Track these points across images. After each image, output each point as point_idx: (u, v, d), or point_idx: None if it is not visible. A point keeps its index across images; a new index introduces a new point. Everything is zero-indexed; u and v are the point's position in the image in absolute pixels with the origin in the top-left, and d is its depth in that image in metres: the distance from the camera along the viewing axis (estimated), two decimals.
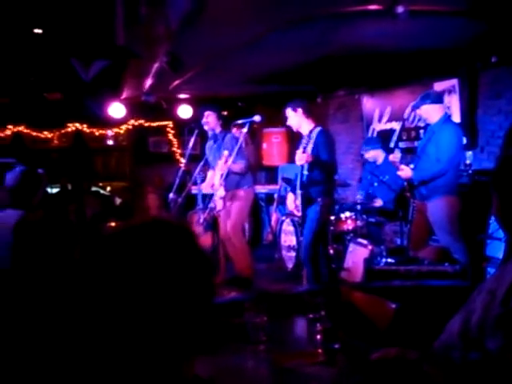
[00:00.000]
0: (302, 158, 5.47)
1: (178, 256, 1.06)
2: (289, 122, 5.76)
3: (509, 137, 5.21)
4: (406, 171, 5.23)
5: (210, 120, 6.32)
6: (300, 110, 5.63)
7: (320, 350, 2.15)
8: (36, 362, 1.47)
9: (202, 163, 6.62)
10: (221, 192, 6.12)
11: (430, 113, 5.28)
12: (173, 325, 1.03)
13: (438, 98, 5.40)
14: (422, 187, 5.22)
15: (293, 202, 5.71)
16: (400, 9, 3.68)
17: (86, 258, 1.07)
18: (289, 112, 5.68)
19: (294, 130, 5.82)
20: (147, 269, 1.02)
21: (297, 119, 5.66)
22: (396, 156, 5.37)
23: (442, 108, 5.38)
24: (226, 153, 5.95)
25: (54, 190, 9.41)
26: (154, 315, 1.02)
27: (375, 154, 6.90)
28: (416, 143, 7.42)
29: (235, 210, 6.22)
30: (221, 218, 6.28)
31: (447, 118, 5.38)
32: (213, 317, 1.12)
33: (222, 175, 6.06)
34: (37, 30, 6.05)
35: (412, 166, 5.29)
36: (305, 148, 5.61)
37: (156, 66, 6.04)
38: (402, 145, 7.73)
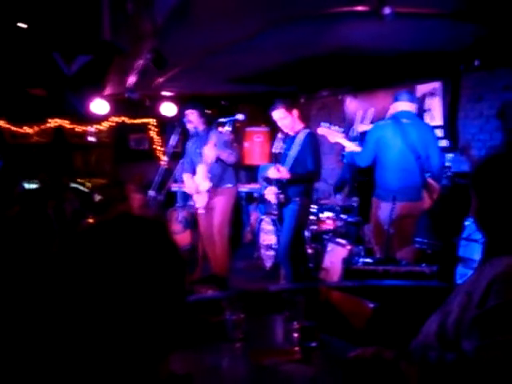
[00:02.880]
0: (276, 174, 5.44)
1: (150, 250, 1.05)
2: (281, 122, 5.58)
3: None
4: (352, 146, 5.33)
5: (192, 118, 6.30)
6: (296, 112, 5.57)
7: (297, 348, 2.15)
8: (13, 358, 1.45)
9: (181, 161, 6.60)
10: (205, 186, 6.08)
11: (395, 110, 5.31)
12: (146, 321, 1.03)
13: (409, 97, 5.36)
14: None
15: (273, 193, 5.60)
16: (387, 10, 3.70)
17: (62, 252, 1.06)
18: (282, 112, 5.53)
19: (285, 130, 5.64)
20: (119, 263, 1.02)
21: (290, 120, 5.54)
22: (325, 129, 5.39)
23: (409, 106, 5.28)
24: (212, 142, 5.91)
25: (33, 186, 9.31)
26: (126, 310, 1.01)
27: None
28: None
29: (220, 209, 6.20)
30: (201, 216, 6.25)
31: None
32: (187, 314, 1.12)
33: (207, 168, 6.02)
34: (21, 24, 5.98)
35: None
36: (288, 150, 5.57)
37: (140, 62, 6.00)
38: None
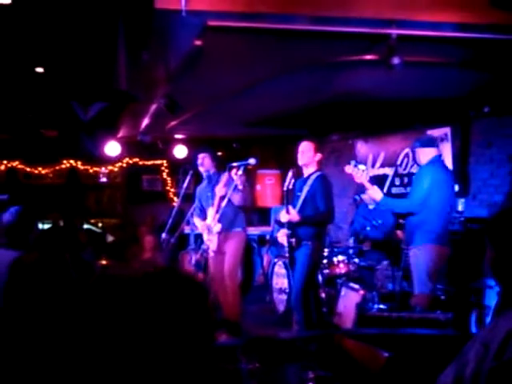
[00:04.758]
0: (287, 217, 5.42)
1: (189, 312, 1.07)
2: (304, 159, 5.60)
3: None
4: (375, 191, 5.16)
5: (205, 162, 6.36)
6: (319, 155, 5.61)
7: None
8: None
9: (194, 205, 6.63)
10: (217, 228, 6.09)
11: (420, 156, 5.29)
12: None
13: (428, 142, 5.35)
14: (411, 231, 5.14)
15: (285, 235, 5.57)
16: (396, 60, 3.75)
17: (92, 301, 1.07)
18: (310, 146, 5.58)
19: (300, 163, 5.65)
20: (158, 321, 1.03)
21: (311, 158, 5.57)
22: (350, 166, 5.24)
23: (434, 151, 5.26)
24: (222, 182, 5.95)
25: (46, 226, 9.37)
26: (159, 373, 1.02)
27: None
28: (408, 189, 7.51)
29: (231, 252, 6.19)
30: (212, 259, 6.24)
31: (435, 160, 5.25)
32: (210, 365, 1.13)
33: (217, 211, 6.05)
34: (38, 69, 6.14)
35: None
36: (299, 191, 5.60)
37: (153, 107, 6.11)
38: (394, 190, 7.81)
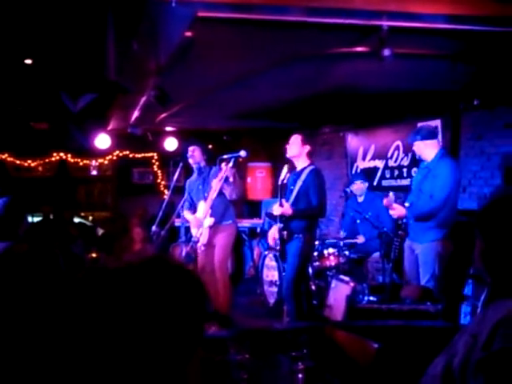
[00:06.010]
0: (279, 210, 5.45)
1: (181, 300, 1.06)
2: (291, 151, 5.62)
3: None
4: (399, 210, 5.11)
5: (195, 154, 6.35)
6: (307, 147, 5.62)
7: None
8: None
9: (184, 198, 6.61)
10: (208, 222, 6.09)
11: (422, 149, 5.13)
12: (165, 369, 1.04)
13: (429, 134, 5.21)
14: (417, 227, 5.11)
15: (274, 234, 5.63)
16: (387, 52, 3.74)
17: (76, 294, 1.06)
18: (297, 139, 5.59)
19: (288, 157, 5.67)
20: (150, 312, 1.02)
21: (298, 150, 5.58)
22: (390, 199, 5.11)
23: (436, 144, 5.18)
24: (221, 176, 5.93)
25: (36, 219, 9.33)
26: (144, 358, 1.02)
27: (362, 187, 6.96)
28: (399, 181, 7.50)
29: (221, 245, 6.21)
30: (202, 252, 6.23)
31: (443, 153, 5.18)
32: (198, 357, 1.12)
33: (210, 206, 6.04)
34: (27, 61, 6.09)
35: (407, 204, 5.17)
36: (292, 185, 5.61)
37: (143, 99, 6.08)
38: (384, 183, 7.83)
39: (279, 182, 5.70)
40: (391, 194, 5.13)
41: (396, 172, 7.61)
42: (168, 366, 1.04)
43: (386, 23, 3.58)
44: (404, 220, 5.16)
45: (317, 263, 6.49)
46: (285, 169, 5.62)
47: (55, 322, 1.17)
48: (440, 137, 6.73)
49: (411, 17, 3.65)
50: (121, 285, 1.04)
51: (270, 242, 5.80)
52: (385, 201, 5.18)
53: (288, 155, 5.68)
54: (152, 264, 1.09)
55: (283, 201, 5.52)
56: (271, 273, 7.24)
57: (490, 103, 6.10)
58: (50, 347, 1.17)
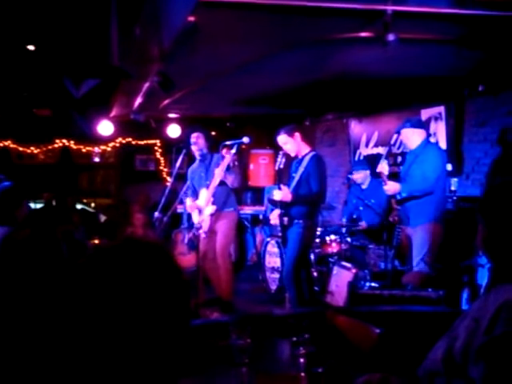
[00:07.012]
0: (280, 195, 5.45)
1: (152, 275, 1.06)
2: (286, 148, 5.62)
3: (495, 166, 5.27)
4: (392, 185, 5.23)
5: (198, 141, 6.33)
6: (298, 135, 5.60)
7: (303, 374, 2.14)
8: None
9: (186, 184, 6.60)
10: (209, 209, 6.08)
11: (409, 137, 5.34)
12: (151, 346, 1.04)
13: (418, 123, 5.46)
14: (408, 211, 5.22)
15: (275, 216, 5.63)
16: (391, 37, 3.72)
17: (70, 279, 1.08)
18: (285, 137, 5.58)
19: (292, 155, 5.67)
20: (124, 289, 1.03)
21: (295, 144, 5.59)
22: (383, 166, 5.31)
23: (423, 133, 5.38)
24: (224, 164, 5.91)
25: (38, 206, 9.35)
26: (131, 336, 1.02)
27: (363, 175, 6.95)
28: (401, 168, 7.49)
29: (222, 232, 6.21)
30: (203, 239, 6.21)
31: (429, 141, 5.46)
32: (192, 337, 1.13)
33: (212, 193, 6.04)
34: (30, 47, 6.07)
35: (401, 196, 5.30)
36: (294, 172, 5.61)
37: (147, 85, 6.06)
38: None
39: (276, 168, 5.70)
40: (385, 161, 5.40)
41: (399, 158, 7.58)
42: (154, 351, 1.05)
43: (390, 8, 3.56)
44: (398, 197, 5.26)
45: (319, 250, 6.50)
46: (280, 154, 5.64)
47: (54, 309, 1.18)
48: (444, 123, 6.72)
49: (416, 1, 3.62)
50: (96, 266, 1.06)
51: (272, 222, 5.78)
52: (379, 167, 5.38)
53: (292, 155, 5.69)
54: (123, 245, 1.10)
55: (282, 185, 5.52)
56: (273, 259, 7.25)
57: (494, 89, 6.06)
58: (50, 334, 1.18)
